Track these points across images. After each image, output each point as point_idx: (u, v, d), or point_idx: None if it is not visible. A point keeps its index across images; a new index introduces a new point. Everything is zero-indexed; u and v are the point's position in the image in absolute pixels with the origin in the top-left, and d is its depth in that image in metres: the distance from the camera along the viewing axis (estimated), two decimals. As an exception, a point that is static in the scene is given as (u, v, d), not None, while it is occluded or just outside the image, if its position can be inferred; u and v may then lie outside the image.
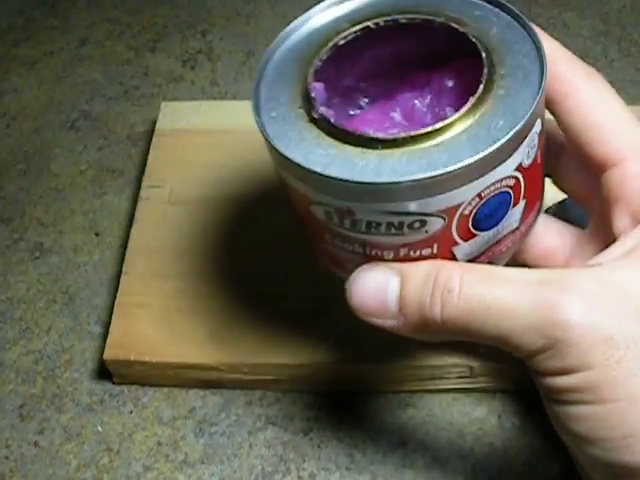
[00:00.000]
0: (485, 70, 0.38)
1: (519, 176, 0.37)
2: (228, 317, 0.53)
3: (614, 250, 0.36)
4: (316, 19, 0.43)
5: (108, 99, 0.75)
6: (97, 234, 0.63)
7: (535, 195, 0.40)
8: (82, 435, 0.52)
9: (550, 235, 0.44)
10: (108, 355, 0.51)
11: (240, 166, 0.62)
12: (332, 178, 0.35)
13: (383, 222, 0.36)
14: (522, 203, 0.39)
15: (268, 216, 0.58)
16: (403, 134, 0.36)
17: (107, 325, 0.53)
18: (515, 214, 0.39)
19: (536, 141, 0.37)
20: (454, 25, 0.40)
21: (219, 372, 0.51)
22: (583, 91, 0.38)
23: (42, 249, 0.62)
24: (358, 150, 0.36)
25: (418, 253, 0.38)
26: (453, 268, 0.36)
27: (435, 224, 0.36)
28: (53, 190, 0.66)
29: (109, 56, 0.79)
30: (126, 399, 0.53)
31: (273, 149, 0.38)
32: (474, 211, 0.36)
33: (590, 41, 0.77)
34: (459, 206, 0.36)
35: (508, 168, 0.36)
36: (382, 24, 0.41)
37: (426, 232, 0.37)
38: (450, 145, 0.35)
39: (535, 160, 0.38)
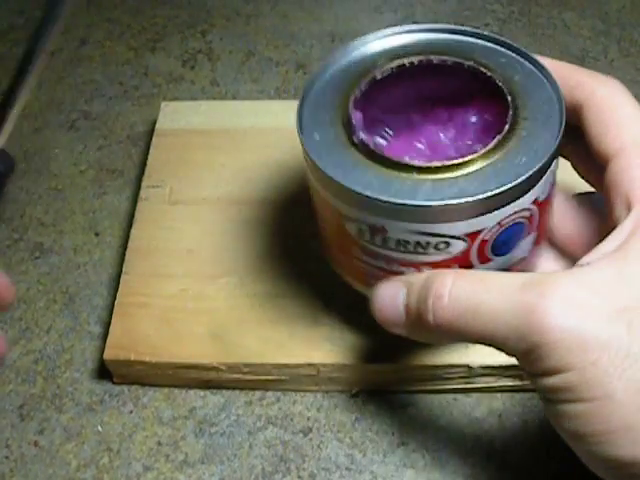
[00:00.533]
0: (510, 112, 0.42)
1: (534, 209, 0.41)
2: (228, 317, 0.53)
3: (604, 246, 0.37)
4: (357, 52, 0.47)
5: (108, 99, 0.75)
6: (97, 234, 0.63)
7: (544, 227, 0.44)
8: (82, 435, 0.52)
9: (574, 221, 0.47)
10: (108, 355, 0.51)
11: (240, 166, 0.62)
12: (371, 198, 0.38)
13: (412, 241, 0.40)
14: (533, 234, 0.43)
15: (268, 216, 0.58)
16: (437, 162, 0.40)
17: (107, 325, 0.53)
18: (527, 244, 0.43)
19: (552, 178, 0.41)
20: (482, 69, 0.44)
21: (219, 372, 0.51)
22: (597, 92, 0.41)
23: (42, 249, 0.62)
24: (395, 174, 0.40)
25: None
26: (447, 273, 0.38)
27: (458, 246, 0.40)
28: (53, 190, 0.66)
29: (109, 56, 0.79)
30: (126, 399, 0.53)
31: (316, 168, 0.41)
32: (493, 237, 0.41)
33: (590, 41, 0.77)
34: (481, 231, 0.40)
35: (526, 201, 0.40)
36: (416, 63, 0.45)
37: (449, 253, 0.41)
38: (478, 176, 0.39)
39: (549, 195, 0.42)
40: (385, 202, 0.38)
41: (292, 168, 0.61)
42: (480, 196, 0.38)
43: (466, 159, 0.40)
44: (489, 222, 0.40)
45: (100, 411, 0.53)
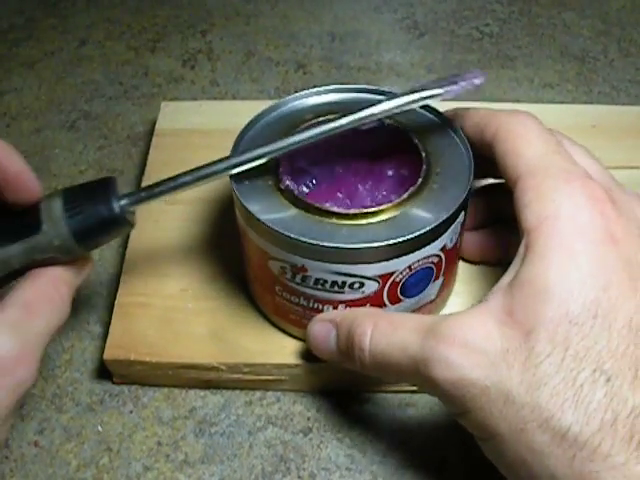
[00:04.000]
0: (424, 167, 0.47)
1: (442, 255, 0.46)
2: (228, 317, 0.53)
3: (503, 279, 0.40)
4: (286, 107, 0.52)
5: (108, 99, 0.75)
6: (97, 234, 0.63)
7: (451, 273, 0.50)
8: (82, 435, 0.52)
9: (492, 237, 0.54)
10: (108, 355, 0.51)
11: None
12: (293, 238, 0.43)
13: (329, 280, 0.45)
14: (441, 279, 0.48)
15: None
16: (355, 210, 0.44)
17: (107, 325, 0.53)
18: (435, 287, 0.48)
19: (459, 229, 0.46)
20: (400, 128, 0.50)
21: (219, 372, 0.51)
22: (501, 127, 0.45)
23: (42, 249, 0.62)
24: (316, 219, 0.44)
25: None
26: (367, 320, 0.43)
27: (371, 287, 0.45)
28: (53, 190, 0.66)
29: (109, 56, 0.79)
30: (126, 399, 0.53)
31: (245, 210, 0.45)
32: (403, 280, 0.45)
33: (590, 41, 0.77)
34: (393, 274, 0.44)
35: (435, 248, 0.44)
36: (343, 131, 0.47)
37: (362, 292, 0.45)
38: (391, 223, 0.44)
39: (456, 244, 0.47)
40: (306, 243, 0.42)
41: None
42: (391, 241, 0.42)
43: (381, 208, 0.44)
44: (400, 265, 0.44)
45: (100, 411, 0.53)
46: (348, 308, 0.46)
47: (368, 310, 0.46)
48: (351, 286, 0.45)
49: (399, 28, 0.82)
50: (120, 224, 0.43)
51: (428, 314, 0.49)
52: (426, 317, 0.42)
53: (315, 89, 0.53)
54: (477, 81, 0.46)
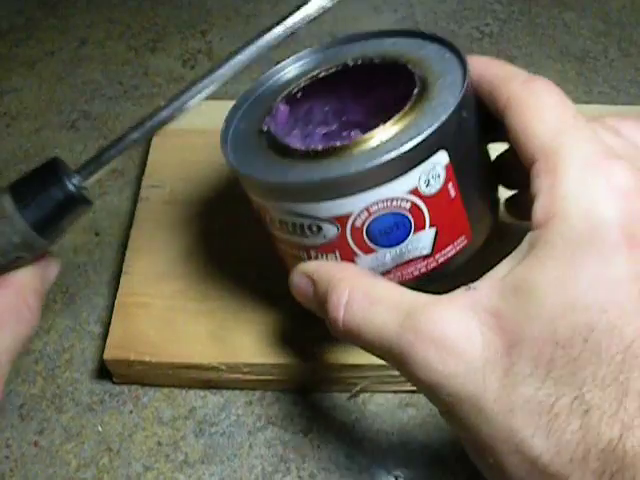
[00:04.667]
0: (410, 102, 0.41)
1: (417, 201, 0.40)
2: (228, 317, 0.53)
3: (497, 271, 0.37)
4: (279, 75, 0.51)
5: (108, 99, 0.75)
6: (97, 234, 0.63)
7: (453, 228, 0.43)
8: (82, 435, 0.52)
9: None
10: (108, 355, 0.51)
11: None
12: (250, 177, 0.42)
13: (289, 222, 0.42)
14: (430, 231, 0.42)
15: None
16: (314, 147, 0.41)
17: (107, 325, 0.53)
18: (422, 240, 0.42)
19: (441, 173, 0.40)
20: (393, 59, 0.46)
21: (219, 372, 0.51)
22: (514, 97, 0.40)
23: (42, 249, 0.62)
24: (281, 159, 0.43)
25: (324, 258, 0.43)
26: (342, 286, 0.40)
27: (330, 230, 0.41)
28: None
29: (109, 56, 0.79)
30: (126, 399, 0.53)
31: (228, 161, 0.44)
32: (366, 225, 0.41)
33: (590, 41, 0.77)
34: (348, 217, 0.40)
35: (397, 190, 0.39)
36: (350, 64, 0.46)
37: (324, 237, 0.42)
38: (346, 161, 0.40)
39: (443, 192, 0.41)
40: (258, 181, 0.42)
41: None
42: (328, 175, 0.39)
43: (336, 144, 0.41)
44: (353, 207, 0.40)
45: (100, 411, 0.53)
46: (320, 258, 0.43)
47: (344, 272, 0.41)
48: (310, 229, 0.42)
49: (399, 28, 0.82)
50: (77, 202, 0.42)
51: (429, 271, 0.43)
52: (406, 294, 0.38)
53: (293, 57, 0.51)
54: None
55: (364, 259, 0.42)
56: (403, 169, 0.39)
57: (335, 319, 0.40)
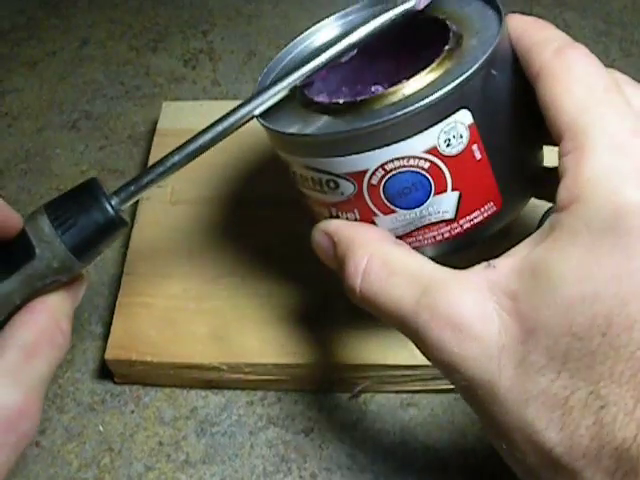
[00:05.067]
0: (444, 52, 0.40)
1: (437, 162, 0.38)
2: (229, 317, 0.53)
3: (519, 249, 0.36)
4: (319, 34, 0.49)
5: (109, 99, 0.75)
6: (98, 234, 0.63)
7: (480, 193, 0.41)
8: (83, 435, 0.52)
9: None
10: (110, 355, 0.52)
11: (241, 166, 0.62)
12: (273, 130, 0.41)
13: (309, 177, 0.41)
14: (453, 194, 0.40)
15: (269, 216, 0.58)
16: (334, 102, 0.41)
17: (109, 325, 0.53)
18: (444, 202, 0.40)
19: (464, 133, 0.38)
20: (434, 16, 0.44)
21: (220, 372, 0.51)
22: (545, 67, 0.38)
23: (43, 249, 0.62)
24: (309, 114, 0.42)
25: (345, 216, 0.42)
26: (361, 252, 0.39)
27: (347, 187, 0.40)
28: (54, 190, 0.66)
29: (110, 56, 0.79)
30: (127, 399, 0.53)
31: (264, 127, 0.42)
32: (382, 183, 0.39)
33: (591, 41, 0.77)
34: (364, 173, 0.39)
35: (414, 148, 0.38)
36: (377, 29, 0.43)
37: (342, 194, 0.41)
38: (367, 117, 0.39)
39: (467, 154, 0.39)
40: (276, 133, 0.41)
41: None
42: (341, 129, 0.39)
43: (357, 99, 0.40)
44: (368, 164, 0.39)
45: (101, 411, 0.53)
46: (341, 216, 0.42)
47: (364, 236, 0.40)
48: (328, 185, 0.41)
49: None
50: (117, 226, 0.41)
51: (452, 237, 0.41)
52: (425, 266, 0.37)
53: (331, 17, 0.49)
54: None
55: (383, 220, 0.41)
56: (420, 126, 0.37)
57: (352, 286, 0.39)
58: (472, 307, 0.34)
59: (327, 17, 0.49)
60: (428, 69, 0.39)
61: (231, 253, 0.56)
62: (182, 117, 0.66)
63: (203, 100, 0.73)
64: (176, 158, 0.42)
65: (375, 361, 0.51)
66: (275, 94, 0.42)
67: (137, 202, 0.61)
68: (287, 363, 0.51)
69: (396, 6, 0.42)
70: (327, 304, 0.53)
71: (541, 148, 0.44)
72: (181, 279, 0.55)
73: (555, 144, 0.36)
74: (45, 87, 0.76)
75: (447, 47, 0.40)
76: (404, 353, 0.50)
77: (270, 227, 0.57)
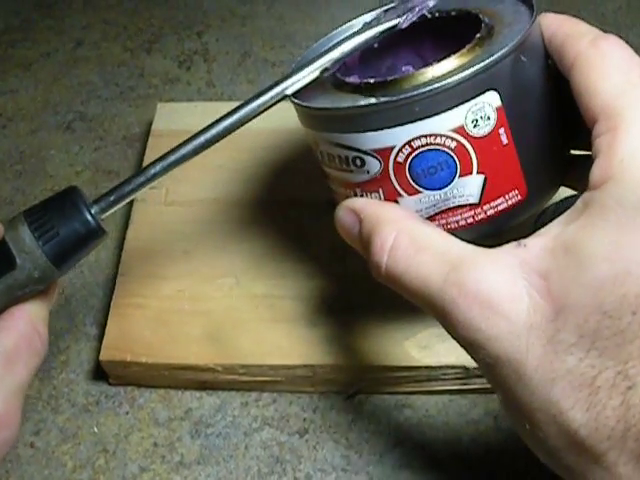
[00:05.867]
0: (474, 41, 0.41)
1: (463, 142, 0.39)
2: (224, 318, 0.53)
3: (551, 229, 0.35)
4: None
5: (104, 100, 0.75)
6: (93, 235, 0.63)
7: (505, 179, 0.41)
8: (78, 436, 0.52)
9: None
10: (104, 356, 0.51)
11: (236, 167, 0.62)
12: (300, 105, 0.42)
13: (335, 155, 0.42)
14: (478, 178, 0.40)
15: (264, 217, 0.58)
16: (365, 81, 0.41)
17: (103, 326, 0.53)
18: (468, 186, 0.40)
19: (491, 115, 0.39)
20: (467, 10, 0.45)
21: (215, 373, 0.51)
22: (581, 56, 0.38)
23: (38, 250, 0.62)
24: (343, 94, 0.42)
25: (370, 197, 0.42)
26: (388, 229, 0.39)
27: (373, 165, 0.40)
28: (49, 191, 0.66)
29: (105, 57, 0.79)
30: (122, 400, 0.53)
31: (295, 104, 0.43)
32: (408, 161, 0.40)
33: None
34: (390, 150, 0.39)
35: (441, 125, 0.38)
36: (411, 21, 0.44)
37: (368, 172, 0.41)
38: (398, 94, 0.39)
39: (493, 136, 0.39)
40: (305, 108, 0.42)
41: (289, 169, 0.61)
42: (368, 101, 0.39)
43: (390, 79, 0.40)
44: (395, 139, 0.39)
45: (96, 412, 0.53)
46: (365, 197, 0.42)
47: (391, 213, 0.40)
48: (354, 162, 0.41)
49: None
50: (98, 236, 0.41)
51: (476, 223, 0.41)
52: (454, 244, 0.37)
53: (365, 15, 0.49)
54: (431, 3, 0.43)
55: (408, 201, 0.41)
56: (448, 104, 0.38)
57: (378, 264, 0.38)
58: (501, 285, 0.34)
59: (369, 11, 0.49)
60: (458, 53, 0.40)
61: (226, 254, 0.56)
62: (177, 118, 0.66)
63: (198, 101, 0.73)
64: (156, 168, 0.43)
65: (370, 362, 0.51)
66: (306, 75, 0.42)
67: (132, 203, 0.61)
68: (282, 364, 0.51)
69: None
70: (322, 306, 0.53)
71: (569, 145, 0.45)
72: (176, 280, 0.55)
73: (582, 148, 0.37)
74: (40, 88, 0.76)
75: (478, 35, 0.41)
76: (399, 354, 0.50)
77: (265, 228, 0.57)
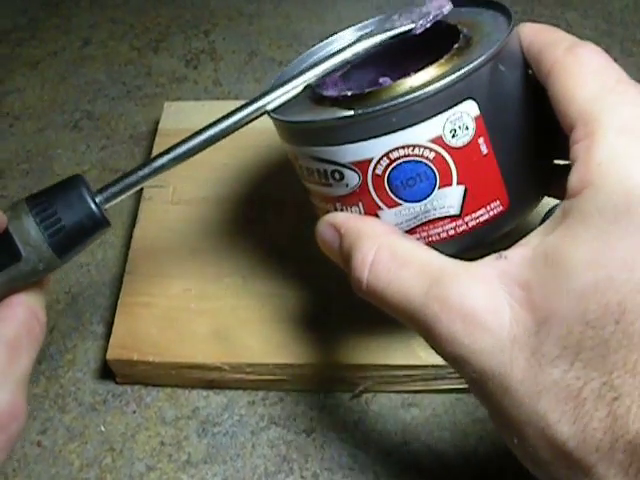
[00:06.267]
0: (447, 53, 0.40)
1: (442, 152, 0.38)
2: (231, 317, 0.53)
3: (530, 240, 0.35)
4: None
5: (111, 99, 0.75)
6: (100, 234, 0.63)
7: (486, 190, 0.40)
8: (85, 435, 0.52)
9: None
10: (111, 355, 0.52)
11: (242, 166, 0.62)
12: (278, 120, 0.42)
13: (314, 169, 0.42)
14: (458, 189, 0.40)
15: (270, 215, 0.58)
16: (343, 94, 0.41)
17: (110, 325, 0.53)
18: (449, 197, 0.40)
19: (470, 125, 0.38)
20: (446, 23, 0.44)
21: (222, 372, 0.51)
22: (557, 63, 0.38)
23: (45, 249, 0.62)
24: (321, 108, 0.42)
25: (349, 211, 0.42)
26: (369, 244, 0.38)
27: (352, 178, 0.40)
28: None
29: (112, 56, 0.79)
30: (129, 399, 0.53)
31: (273, 119, 0.43)
32: (387, 173, 0.39)
33: (593, 41, 0.76)
34: (369, 162, 0.39)
35: (419, 136, 0.38)
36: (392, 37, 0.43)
37: (347, 186, 0.41)
38: (369, 105, 0.39)
39: (473, 146, 0.39)
40: (283, 122, 0.42)
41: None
42: (341, 115, 0.39)
43: (367, 91, 0.40)
44: (373, 151, 0.39)
45: (103, 411, 0.53)
46: (345, 211, 0.42)
47: (372, 228, 0.40)
48: (333, 176, 0.41)
49: None
50: (103, 227, 0.41)
51: (457, 235, 0.41)
52: (435, 258, 0.37)
53: (351, 27, 0.50)
54: (445, 10, 0.43)
55: (388, 214, 0.41)
56: (425, 114, 0.38)
57: (359, 279, 0.38)
58: (483, 298, 0.34)
59: (348, 27, 0.50)
60: (436, 64, 0.40)
61: (233, 253, 0.56)
62: (184, 117, 0.66)
63: (205, 100, 0.73)
64: (162, 160, 0.42)
65: (377, 361, 0.51)
66: (288, 91, 0.42)
67: (139, 202, 0.61)
68: (289, 363, 0.51)
69: (395, 28, 0.43)
70: (329, 304, 0.53)
71: (551, 155, 0.44)
72: (183, 279, 0.55)
73: (564, 157, 0.37)
74: (47, 87, 0.76)
75: (456, 45, 0.41)
76: (405, 353, 0.50)
77: (272, 227, 0.57)
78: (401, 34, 0.43)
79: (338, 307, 0.52)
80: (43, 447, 0.51)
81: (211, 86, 0.75)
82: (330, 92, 0.44)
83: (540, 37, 0.40)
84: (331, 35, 0.50)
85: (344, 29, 0.50)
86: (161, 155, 0.42)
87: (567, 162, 0.36)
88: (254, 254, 0.56)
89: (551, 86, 0.38)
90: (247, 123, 0.42)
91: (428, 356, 0.50)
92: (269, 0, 0.84)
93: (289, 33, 0.80)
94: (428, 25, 0.43)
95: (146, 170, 0.42)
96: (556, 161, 0.44)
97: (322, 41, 0.50)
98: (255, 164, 0.62)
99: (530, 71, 0.41)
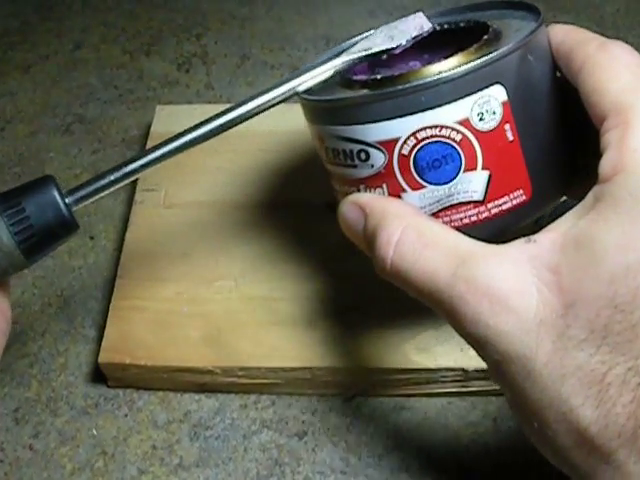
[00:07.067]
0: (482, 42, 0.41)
1: (468, 135, 0.39)
2: (223, 321, 0.53)
3: (561, 224, 0.35)
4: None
5: (103, 103, 0.75)
6: (92, 237, 0.63)
7: (510, 177, 0.41)
8: (77, 438, 0.52)
9: None
10: (103, 358, 0.51)
11: (235, 169, 0.62)
12: (306, 99, 0.42)
13: (339, 149, 0.42)
14: (482, 174, 0.40)
15: (263, 219, 0.58)
16: (372, 77, 0.42)
17: (102, 328, 0.53)
18: (473, 182, 0.40)
19: (497, 110, 0.39)
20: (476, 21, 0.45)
21: (214, 375, 0.51)
22: (590, 59, 0.38)
23: (37, 253, 0.62)
24: (351, 91, 0.42)
25: (373, 193, 0.42)
26: (395, 223, 0.38)
27: (378, 158, 0.40)
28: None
29: (104, 60, 0.79)
30: (121, 402, 0.53)
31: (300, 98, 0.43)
32: (413, 153, 0.39)
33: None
34: (395, 142, 0.39)
35: (446, 117, 0.38)
36: (422, 35, 0.44)
37: (372, 167, 0.41)
38: (403, 87, 0.39)
39: (499, 132, 0.39)
40: (311, 101, 0.42)
41: (288, 171, 0.61)
42: (375, 92, 0.40)
43: (397, 74, 0.40)
44: (400, 131, 0.39)
45: (95, 415, 0.53)
46: (369, 192, 0.42)
47: (398, 208, 0.39)
48: (359, 156, 0.41)
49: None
50: (72, 230, 0.41)
51: (480, 222, 0.41)
52: (463, 240, 0.37)
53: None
54: (425, 29, 0.43)
55: (412, 196, 0.41)
56: (454, 95, 0.38)
57: (383, 258, 0.38)
58: (511, 280, 0.34)
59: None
60: (465, 51, 0.40)
61: (225, 257, 0.56)
62: (176, 121, 0.66)
63: (197, 104, 0.73)
64: (133, 166, 0.42)
65: (369, 365, 0.51)
66: (320, 73, 0.42)
67: (130, 205, 0.61)
68: (281, 367, 0.51)
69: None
70: (321, 308, 0.53)
71: (575, 154, 0.44)
72: (175, 282, 0.55)
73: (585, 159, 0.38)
74: (38, 91, 0.76)
75: (485, 37, 0.41)
76: (398, 357, 0.50)
77: (264, 230, 0.57)
78: (378, 53, 0.43)
79: (330, 311, 0.52)
80: (35, 451, 0.51)
81: (203, 90, 0.75)
82: (360, 76, 0.44)
83: (571, 36, 0.41)
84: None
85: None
86: (134, 158, 0.42)
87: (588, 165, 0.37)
88: (246, 257, 0.56)
89: (583, 82, 0.38)
90: (276, 104, 0.43)
91: (420, 360, 0.50)
92: (261, 4, 0.84)
93: (281, 37, 0.80)
94: (408, 46, 0.43)
95: (118, 173, 0.42)
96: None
97: (361, 34, 0.49)
98: (248, 168, 0.62)
99: (558, 73, 0.41)
